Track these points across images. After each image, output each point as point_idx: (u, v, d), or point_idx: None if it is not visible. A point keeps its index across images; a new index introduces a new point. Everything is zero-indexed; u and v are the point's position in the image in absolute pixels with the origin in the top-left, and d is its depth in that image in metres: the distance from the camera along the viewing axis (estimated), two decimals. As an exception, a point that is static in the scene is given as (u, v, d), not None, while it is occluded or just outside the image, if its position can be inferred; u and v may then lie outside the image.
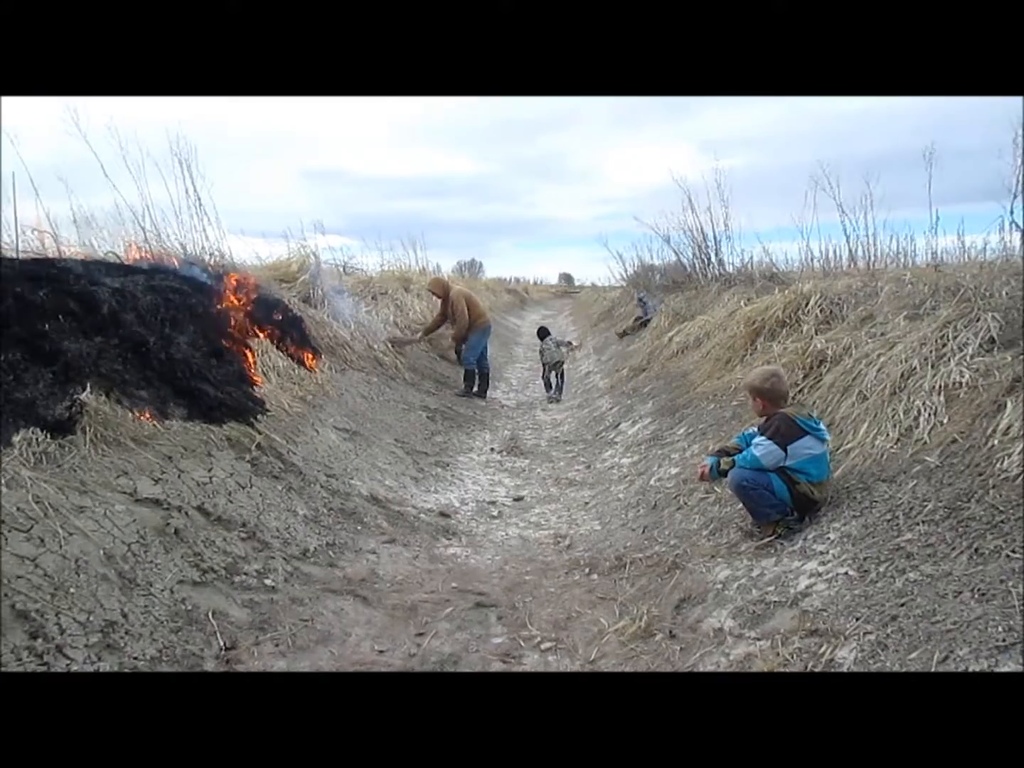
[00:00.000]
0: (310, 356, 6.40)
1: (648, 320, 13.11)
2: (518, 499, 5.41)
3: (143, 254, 6.39)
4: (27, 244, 5.43)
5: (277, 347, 5.95)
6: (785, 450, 3.28)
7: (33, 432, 3.07)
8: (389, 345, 8.72)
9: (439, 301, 9.36)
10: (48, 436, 3.12)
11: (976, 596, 2.19)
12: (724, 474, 3.53)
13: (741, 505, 3.58)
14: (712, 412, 5.74)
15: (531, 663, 2.89)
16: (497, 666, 2.86)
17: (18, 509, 2.61)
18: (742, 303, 7.98)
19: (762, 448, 3.34)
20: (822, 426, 3.40)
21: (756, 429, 3.57)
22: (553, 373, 9.96)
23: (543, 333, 10.42)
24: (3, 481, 2.70)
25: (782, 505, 3.32)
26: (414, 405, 7.44)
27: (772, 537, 3.34)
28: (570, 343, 10.97)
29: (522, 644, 3.03)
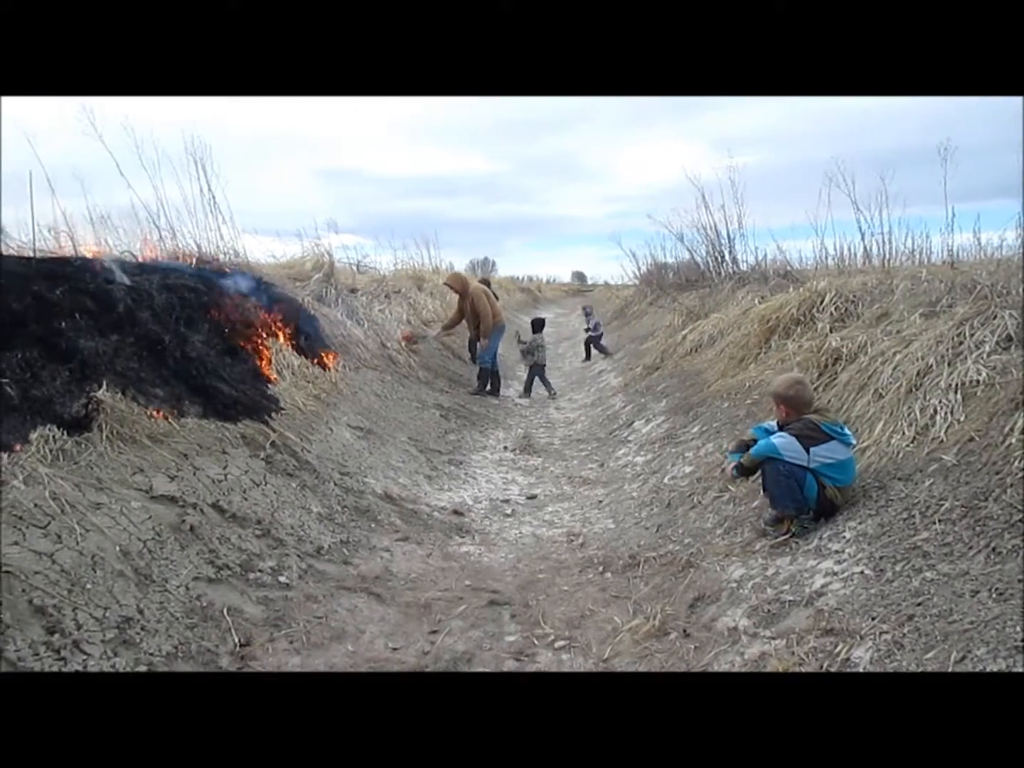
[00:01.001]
0: (324, 354, 6.43)
1: (599, 339, 12.67)
2: (531, 497, 5.41)
3: (159, 253, 6.44)
4: (43, 243, 5.49)
5: (291, 345, 5.98)
6: (807, 452, 3.26)
7: (50, 429, 3.11)
8: (403, 343, 8.70)
9: (456, 298, 9.26)
10: (65, 433, 3.16)
11: (994, 595, 2.17)
12: (748, 473, 3.53)
13: (756, 503, 3.55)
14: (726, 411, 5.71)
15: (544, 661, 2.89)
16: (510, 664, 2.86)
17: (35, 505, 2.64)
18: (756, 301, 7.94)
19: (782, 439, 3.33)
20: (848, 431, 3.36)
21: (776, 423, 3.55)
22: (539, 374, 9.68)
23: (539, 326, 9.82)
24: (21, 477, 2.73)
25: (803, 504, 3.29)
26: (427, 403, 7.45)
27: (786, 536, 3.31)
28: None
29: (535, 642, 3.02)
